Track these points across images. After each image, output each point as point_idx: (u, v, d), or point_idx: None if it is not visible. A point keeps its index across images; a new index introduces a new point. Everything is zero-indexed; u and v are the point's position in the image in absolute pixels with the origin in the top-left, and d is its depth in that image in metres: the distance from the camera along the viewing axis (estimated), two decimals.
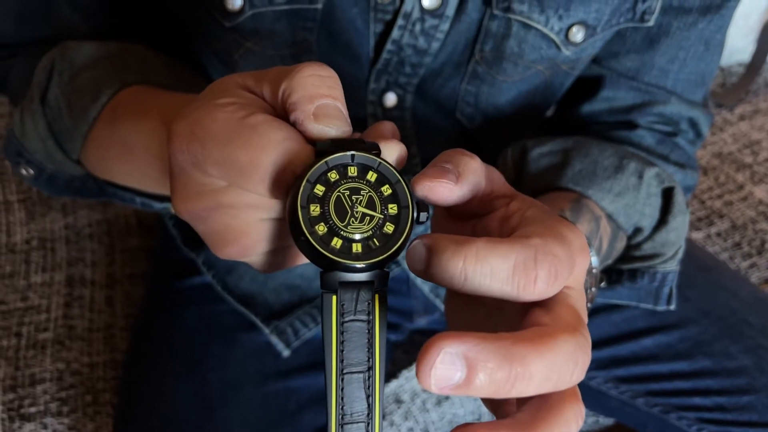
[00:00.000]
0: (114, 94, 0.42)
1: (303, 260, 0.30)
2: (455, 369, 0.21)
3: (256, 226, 0.28)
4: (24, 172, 0.47)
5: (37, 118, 0.44)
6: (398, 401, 0.60)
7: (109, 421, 0.59)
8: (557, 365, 0.22)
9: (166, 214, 0.60)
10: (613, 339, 0.56)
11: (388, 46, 0.47)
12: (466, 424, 0.22)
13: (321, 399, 0.53)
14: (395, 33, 0.46)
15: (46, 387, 0.60)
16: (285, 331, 0.54)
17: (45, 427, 0.58)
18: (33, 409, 0.59)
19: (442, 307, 0.59)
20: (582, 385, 0.58)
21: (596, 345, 0.57)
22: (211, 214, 0.27)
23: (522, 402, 0.25)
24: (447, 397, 0.63)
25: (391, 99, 0.51)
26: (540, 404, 0.23)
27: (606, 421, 0.68)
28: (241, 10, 0.44)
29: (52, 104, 0.43)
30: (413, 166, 0.54)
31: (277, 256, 0.30)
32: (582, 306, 0.26)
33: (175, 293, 0.58)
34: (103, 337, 0.64)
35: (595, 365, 0.57)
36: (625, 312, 0.57)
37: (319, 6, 0.44)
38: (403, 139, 0.53)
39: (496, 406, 0.27)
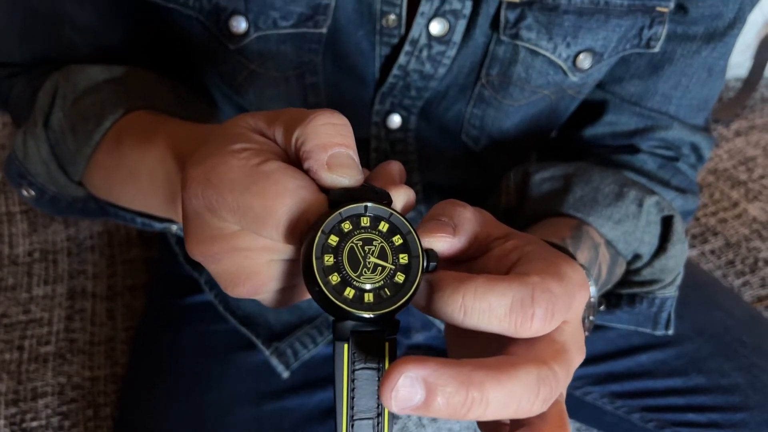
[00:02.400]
0: (118, 119, 0.42)
1: (309, 296, 0.31)
2: (415, 392, 0.22)
3: (268, 267, 0.28)
4: (26, 193, 0.47)
5: (40, 142, 0.44)
6: (394, 417, 0.61)
7: None
8: (515, 394, 0.23)
9: (172, 237, 0.61)
10: (609, 355, 0.57)
11: (395, 71, 0.47)
12: None
13: (314, 418, 0.53)
14: (402, 59, 0.47)
15: (48, 401, 0.60)
16: (285, 352, 0.55)
17: None
18: (35, 424, 0.59)
19: (439, 323, 0.59)
20: (578, 400, 0.59)
21: (592, 360, 0.58)
22: (224, 256, 0.28)
23: (515, 427, 0.26)
24: None
25: (395, 121, 0.51)
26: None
27: None
28: (246, 33, 0.44)
29: (56, 128, 0.43)
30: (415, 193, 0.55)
31: (285, 293, 0.30)
32: (576, 340, 0.27)
33: (175, 310, 0.58)
34: (104, 351, 0.64)
35: (592, 380, 0.58)
36: (621, 329, 0.58)
37: (324, 30, 0.44)
38: (405, 164, 0.54)
39: (489, 429, 0.28)
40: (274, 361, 0.55)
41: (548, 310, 0.24)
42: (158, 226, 0.45)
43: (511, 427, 0.27)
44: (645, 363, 0.56)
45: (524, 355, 0.24)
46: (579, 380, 0.58)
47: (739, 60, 0.99)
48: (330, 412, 0.54)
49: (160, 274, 0.63)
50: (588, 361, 0.58)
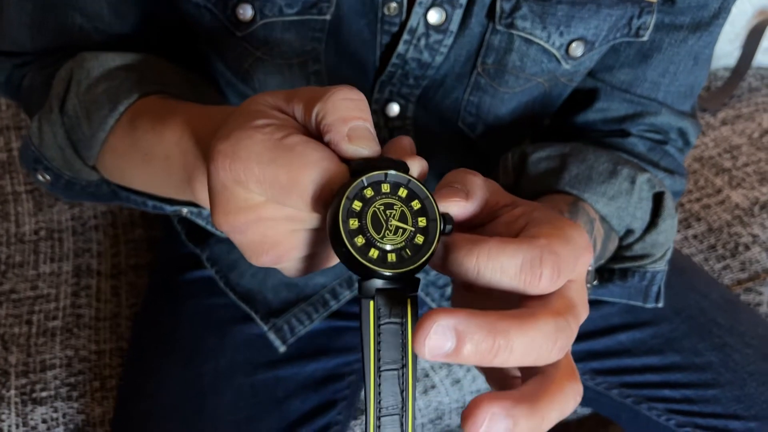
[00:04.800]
0: (132, 104, 0.43)
1: (327, 265, 0.33)
2: (446, 339, 0.24)
3: (291, 236, 0.30)
4: (41, 178, 0.48)
5: (56, 127, 0.45)
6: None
7: None
8: (537, 342, 0.25)
9: (175, 216, 0.63)
10: (591, 334, 0.60)
11: (393, 59, 0.48)
12: (479, 397, 0.25)
13: (307, 386, 0.56)
14: (401, 47, 0.48)
15: (56, 373, 0.63)
16: (282, 328, 0.57)
17: (56, 410, 0.60)
18: (44, 394, 0.61)
19: (431, 304, 0.62)
20: None
21: (575, 339, 0.60)
22: (249, 227, 0.30)
23: (527, 377, 0.28)
24: (433, 386, 0.67)
25: (393, 109, 0.52)
26: (543, 380, 0.27)
27: (583, 410, 0.72)
28: (252, 20, 0.45)
29: (71, 113, 0.44)
30: None
31: (306, 262, 0.32)
32: (581, 298, 0.29)
33: (178, 286, 0.60)
34: (109, 326, 0.67)
35: (573, 358, 0.60)
36: (602, 309, 0.60)
37: (328, 17, 0.45)
38: None
39: (501, 384, 0.31)
40: (272, 336, 0.57)
41: (554, 270, 0.26)
42: (169, 209, 0.47)
43: (524, 377, 0.29)
44: (624, 342, 0.59)
45: (542, 308, 0.26)
46: None
47: (728, 49, 1.00)
48: (321, 382, 0.57)
49: (164, 254, 0.65)
50: None
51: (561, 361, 0.27)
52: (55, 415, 0.60)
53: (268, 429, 0.53)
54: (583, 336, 0.60)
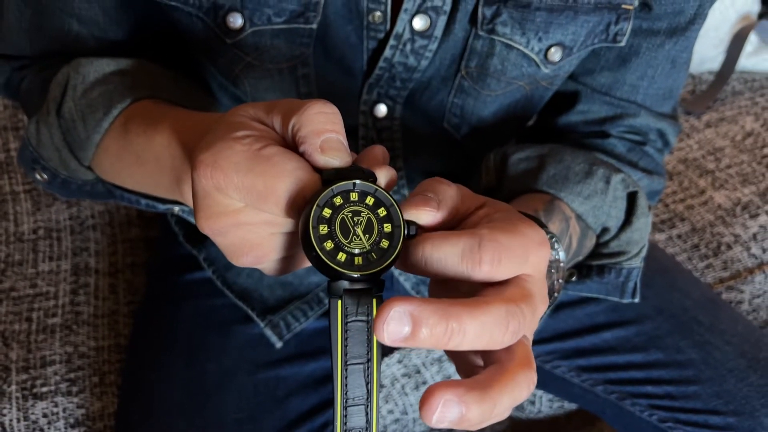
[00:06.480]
0: (125, 108, 0.45)
1: (303, 265, 0.35)
2: (403, 324, 0.26)
3: (269, 239, 0.32)
4: (39, 177, 0.50)
5: (53, 129, 0.47)
6: (380, 385, 0.65)
7: (115, 400, 0.63)
8: (488, 325, 0.27)
9: (168, 214, 0.64)
10: (577, 332, 0.62)
11: (381, 63, 0.50)
12: (435, 384, 0.27)
13: (307, 386, 0.58)
14: (387, 52, 0.49)
15: (56, 368, 0.64)
16: (278, 324, 0.59)
17: (56, 405, 0.62)
18: (45, 389, 0.63)
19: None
20: (548, 373, 0.63)
21: (561, 337, 0.62)
22: (230, 230, 0.32)
23: (488, 363, 0.30)
24: (424, 382, 0.68)
25: (381, 110, 0.54)
26: (497, 368, 0.28)
27: (570, 406, 0.74)
28: (242, 28, 0.47)
29: (67, 116, 0.46)
30: (398, 179, 0.58)
31: (284, 262, 0.34)
32: (540, 291, 0.31)
33: (177, 287, 0.62)
34: (107, 323, 0.68)
35: (560, 355, 0.62)
36: (587, 308, 0.62)
37: (314, 26, 0.47)
38: (390, 150, 0.58)
39: (469, 373, 0.32)
40: (268, 332, 0.59)
41: (495, 256, 0.28)
42: (161, 207, 0.49)
43: (484, 364, 0.30)
44: (609, 340, 0.61)
45: (495, 295, 0.28)
46: (549, 355, 0.62)
47: (712, 54, 1.02)
48: (321, 381, 0.58)
49: (162, 254, 0.66)
50: (557, 338, 0.62)
51: (517, 350, 0.29)
52: (55, 410, 0.62)
53: (268, 428, 0.54)
54: (569, 334, 0.62)
